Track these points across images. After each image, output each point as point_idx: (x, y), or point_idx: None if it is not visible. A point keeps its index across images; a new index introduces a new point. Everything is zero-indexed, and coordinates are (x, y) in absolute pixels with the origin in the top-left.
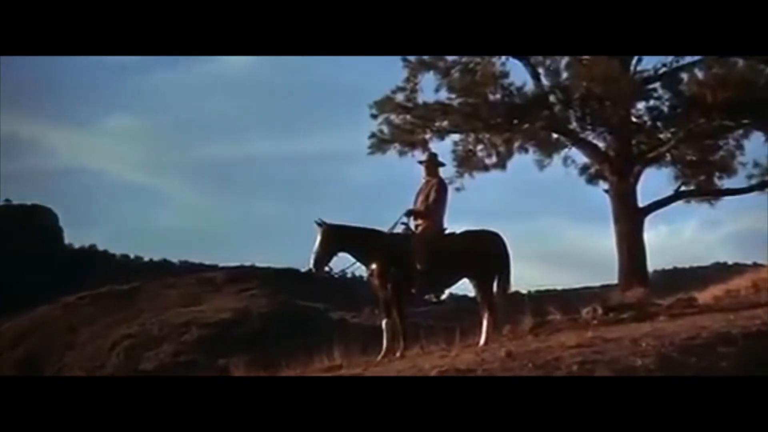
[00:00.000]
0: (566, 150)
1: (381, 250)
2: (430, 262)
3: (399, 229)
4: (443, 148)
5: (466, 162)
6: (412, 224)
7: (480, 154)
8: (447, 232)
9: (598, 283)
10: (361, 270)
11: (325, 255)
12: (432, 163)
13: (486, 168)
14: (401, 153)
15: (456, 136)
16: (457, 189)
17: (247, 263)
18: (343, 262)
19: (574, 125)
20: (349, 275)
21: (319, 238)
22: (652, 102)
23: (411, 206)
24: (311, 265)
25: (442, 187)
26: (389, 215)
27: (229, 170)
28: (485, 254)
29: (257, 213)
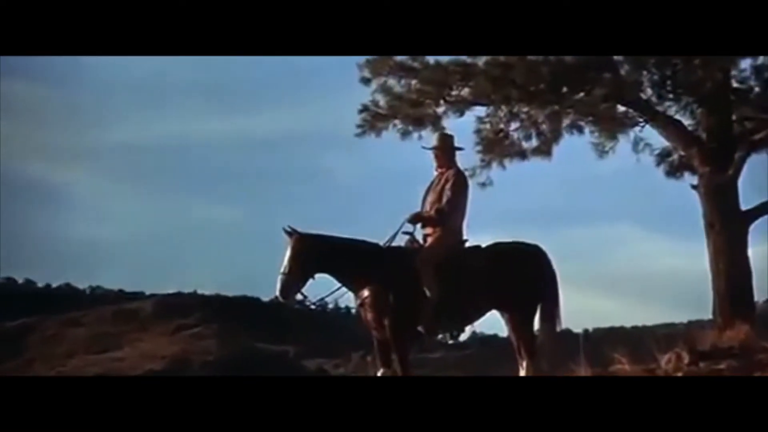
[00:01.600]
0: (637, 129)
1: (375, 270)
2: (445, 288)
3: (400, 241)
4: (463, 126)
5: (495, 146)
6: (419, 234)
7: (515, 135)
8: (468, 245)
9: (682, 319)
10: (347, 299)
11: (297, 277)
12: (446, 149)
13: (523, 155)
14: (404, 134)
15: (481, 110)
16: (482, 184)
17: (187, 290)
18: (322, 288)
19: (648, 93)
20: (330, 306)
21: (288, 253)
22: (762, 59)
23: (417, 209)
24: (278, 292)
25: (460, 183)
26: (386, 222)
27: (160, 161)
28: (522, 276)
29: (200, 219)
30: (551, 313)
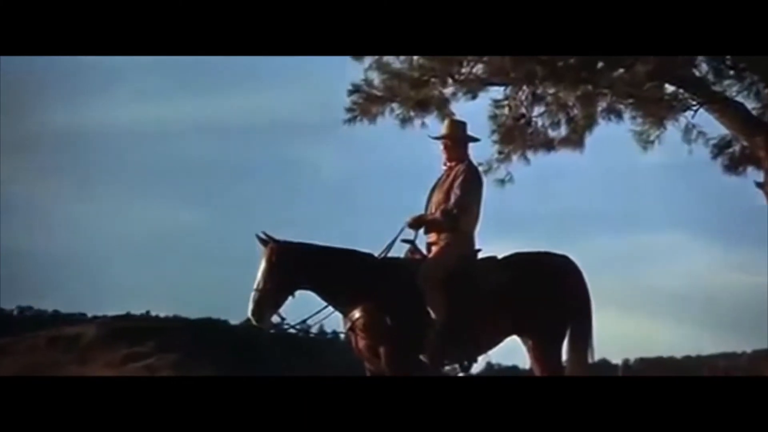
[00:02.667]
0: (689, 114)
1: (369, 286)
2: (454, 309)
3: (399, 251)
4: (476, 111)
5: (515, 136)
6: (421, 243)
7: (539, 121)
8: (482, 255)
9: (745, 348)
10: (335, 321)
11: (273, 295)
12: (457, 138)
13: (549, 146)
14: (404, 120)
15: (497, 91)
16: (500, 181)
17: (138, 311)
18: (304, 308)
19: (704, 70)
20: (314, 330)
21: (263, 265)
22: None
23: (420, 211)
24: (250, 314)
25: (472, 179)
26: (382, 227)
27: (101, 152)
28: (548, 294)
29: (154, 224)
30: (583, 340)
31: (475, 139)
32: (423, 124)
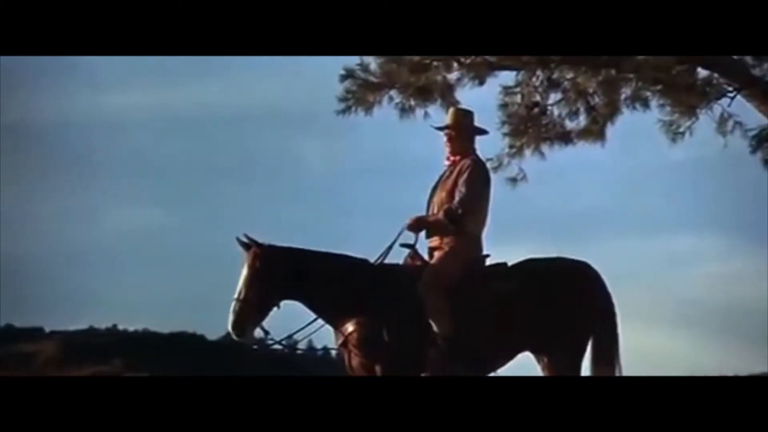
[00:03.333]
0: (725, 102)
1: (364, 297)
2: (459, 321)
3: (398, 256)
4: (484, 99)
5: (529, 127)
6: (422, 248)
7: (555, 110)
8: (490, 261)
9: None
10: (325, 336)
11: (256, 305)
12: (462, 129)
13: (566, 138)
14: (403, 110)
15: (508, 76)
16: (511, 180)
17: (104, 324)
18: (290, 321)
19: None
20: (302, 346)
21: (245, 272)
22: None
23: (420, 212)
24: (230, 327)
25: (480, 176)
26: (378, 230)
27: (60, 146)
28: (566, 305)
29: (122, 226)
30: (607, 356)
31: (483, 131)
32: (425, 115)
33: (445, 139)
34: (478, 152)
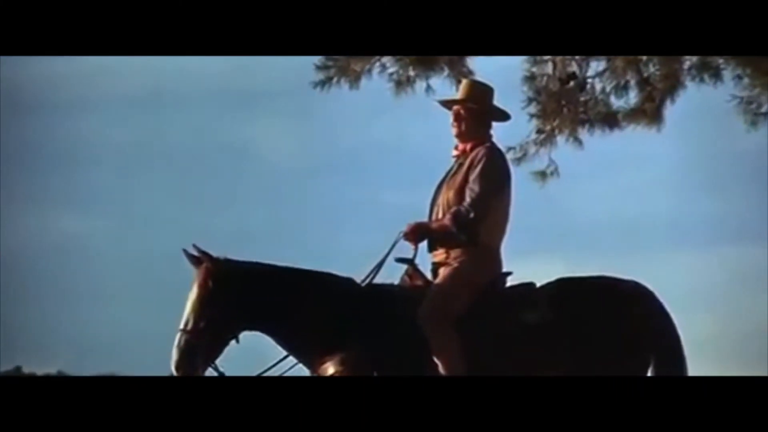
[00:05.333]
0: None
1: (347, 327)
2: (472, 359)
3: (392, 274)
4: (503, 69)
5: (562, 106)
6: (423, 263)
7: (597, 85)
8: (512, 282)
9: None
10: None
11: (209, 338)
12: (475, 107)
13: (611, 121)
14: (399, 84)
15: None
16: (540, 174)
17: (4, 366)
18: (253, 359)
19: None
20: None
21: (194, 293)
22: None
23: (421, 217)
24: (173, 366)
25: (497, 169)
26: (366, 239)
27: None
28: (615, 335)
29: (29, 229)
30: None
31: (504, 115)
32: (428, 89)
33: (452, 120)
34: (495, 139)
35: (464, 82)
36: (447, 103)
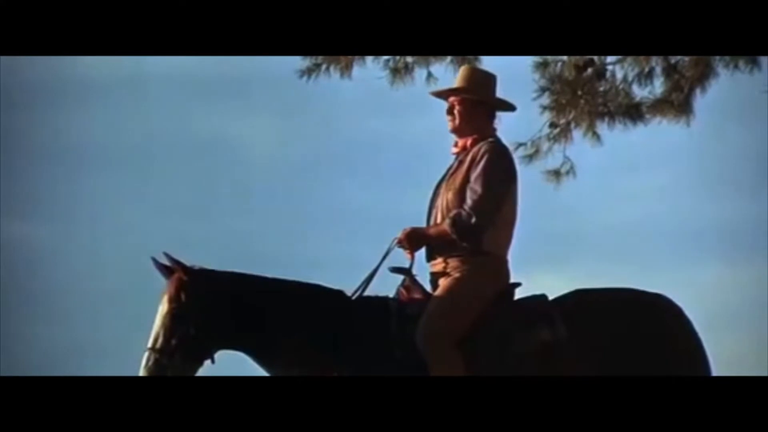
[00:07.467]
0: None
1: (336, 346)
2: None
3: (387, 286)
4: (510, 58)
5: (578, 96)
6: (421, 274)
7: (617, 73)
8: (522, 294)
9: None
10: None
11: (181, 358)
12: (474, 97)
13: (633, 113)
14: (395, 71)
15: None
16: (553, 174)
17: None
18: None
19: None
20: None
21: (164, 308)
22: None
23: (418, 223)
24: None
25: (500, 168)
26: (358, 246)
27: None
28: (639, 353)
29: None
30: None
31: (508, 106)
32: (428, 77)
33: (446, 111)
34: (499, 134)
35: (462, 68)
36: (442, 94)
